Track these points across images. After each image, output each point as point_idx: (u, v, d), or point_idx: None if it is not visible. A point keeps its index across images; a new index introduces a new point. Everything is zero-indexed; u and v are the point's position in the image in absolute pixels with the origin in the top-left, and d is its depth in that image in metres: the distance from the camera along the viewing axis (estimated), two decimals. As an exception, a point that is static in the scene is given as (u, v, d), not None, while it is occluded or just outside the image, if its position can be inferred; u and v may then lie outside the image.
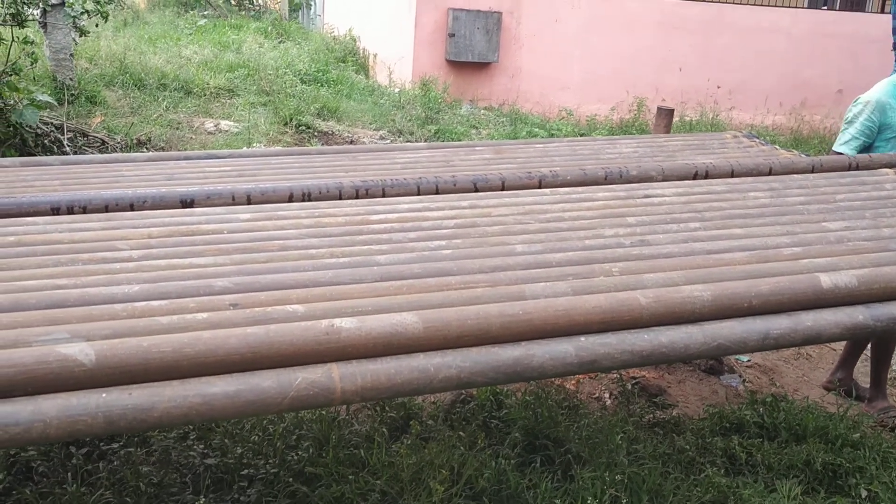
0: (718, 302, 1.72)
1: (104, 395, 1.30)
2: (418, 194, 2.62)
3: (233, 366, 1.40)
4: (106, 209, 2.35)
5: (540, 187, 2.84)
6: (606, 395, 3.51)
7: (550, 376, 1.61)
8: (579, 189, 2.57)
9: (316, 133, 7.56)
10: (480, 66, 10.61)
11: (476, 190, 2.70)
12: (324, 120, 8.04)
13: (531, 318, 1.58)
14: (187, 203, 2.37)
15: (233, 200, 2.46)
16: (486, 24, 10.32)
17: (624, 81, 10.91)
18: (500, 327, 1.56)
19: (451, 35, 10.24)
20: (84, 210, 2.31)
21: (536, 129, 8.94)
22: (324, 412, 3.03)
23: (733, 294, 1.74)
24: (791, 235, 2.14)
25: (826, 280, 1.82)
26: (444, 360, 1.51)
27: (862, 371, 3.92)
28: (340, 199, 2.56)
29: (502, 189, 2.77)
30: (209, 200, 2.43)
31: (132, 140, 6.50)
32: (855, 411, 3.38)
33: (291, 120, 7.55)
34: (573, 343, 1.60)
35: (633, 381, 3.60)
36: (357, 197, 2.58)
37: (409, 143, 5.30)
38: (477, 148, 3.47)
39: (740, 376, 3.79)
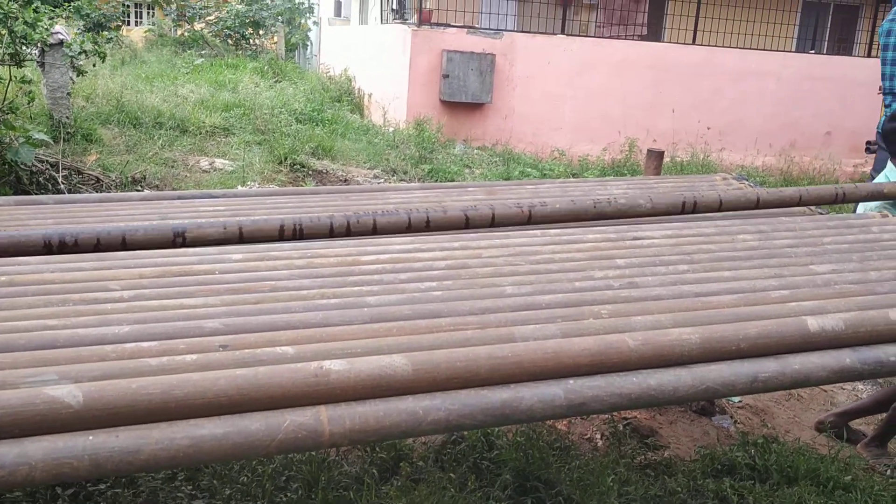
0: (707, 345, 1.73)
1: (91, 437, 1.30)
2: (409, 228, 2.65)
3: (221, 408, 1.40)
4: (97, 242, 2.36)
5: (530, 221, 2.87)
6: (598, 436, 3.50)
7: (539, 419, 1.62)
8: (569, 230, 2.59)
9: (310, 172, 7.61)
10: (474, 107, 10.73)
11: (467, 221, 2.72)
12: (318, 159, 8.10)
13: (520, 361, 1.59)
14: (179, 234, 2.38)
15: (224, 230, 2.47)
16: (480, 65, 10.46)
17: (615, 122, 11.05)
18: (490, 370, 1.57)
19: (446, 76, 10.37)
20: (76, 242, 2.32)
21: (529, 169, 9.01)
22: (313, 453, 3.01)
23: (721, 337, 1.75)
24: (779, 278, 2.16)
25: (813, 323, 1.83)
26: (433, 402, 1.51)
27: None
28: (332, 231, 2.58)
29: (492, 221, 2.80)
30: (200, 230, 2.45)
31: (127, 178, 6.53)
32: (846, 453, 3.37)
33: (286, 159, 7.61)
34: (562, 386, 1.61)
35: (625, 422, 3.59)
36: (348, 229, 2.60)
37: (402, 184, 5.35)
38: (469, 188, 3.51)
39: (731, 417, 3.79)
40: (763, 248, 2.46)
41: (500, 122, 10.90)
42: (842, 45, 13.30)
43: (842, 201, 3.15)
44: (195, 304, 1.82)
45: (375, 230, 2.65)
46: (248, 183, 6.87)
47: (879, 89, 4.66)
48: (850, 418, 3.73)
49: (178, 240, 2.37)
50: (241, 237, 2.47)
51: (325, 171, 7.78)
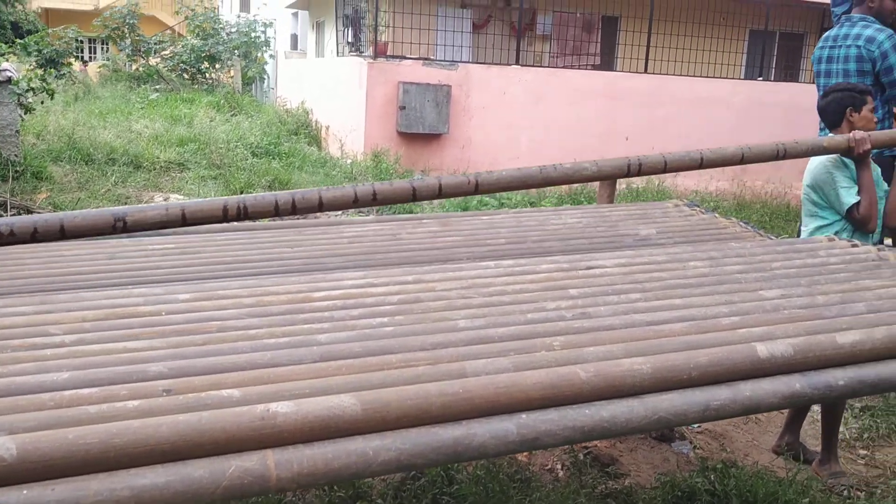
0: (658, 374, 1.73)
1: (25, 491, 1.25)
2: (356, 202, 2.69)
3: (164, 455, 1.35)
4: (35, 231, 2.31)
5: (477, 190, 2.94)
6: (559, 466, 3.48)
7: (492, 455, 1.59)
8: (523, 261, 2.59)
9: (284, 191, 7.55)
10: (431, 138, 10.78)
11: (414, 193, 2.78)
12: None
13: (471, 397, 1.57)
14: (119, 219, 2.35)
15: (166, 212, 2.46)
16: (436, 96, 10.53)
17: (571, 150, 11.14)
18: (441, 407, 1.55)
19: (402, 108, 10.42)
20: (11, 232, 2.27)
21: (487, 199, 9.05)
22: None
23: (672, 366, 1.76)
24: (729, 305, 2.18)
25: (763, 349, 1.85)
26: (384, 442, 1.48)
27: (810, 433, 3.96)
28: (277, 210, 2.60)
29: (439, 192, 2.85)
30: (141, 214, 2.44)
31: (78, 215, 6.41)
32: (804, 475, 3.40)
33: (242, 193, 7.54)
34: (514, 421, 1.59)
35: (586, 451, 3.57)
36: (293, 207, 2.62)
37: (356, 218, 5.34)
38: (424, 220, 3.50)
39: (691, 443, 3.80)
40: (713, 275, 2.48)
41: (458, 152, 10.96)
42: (788, 72, 13.67)
43: (783, 157, 3.38)
44: (139, 346, 1.78)
45: (321, 206, 2.65)
46: (204, 218, 6.80)
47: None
48: (796, 431, 3.77)
49: (119, 224, 2.34)
50: (185, 220, 2.44)
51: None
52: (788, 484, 3.21)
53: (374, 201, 2.77)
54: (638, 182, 10.87)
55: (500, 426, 1.58)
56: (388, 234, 3.19)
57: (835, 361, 1.91)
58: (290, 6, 19.31)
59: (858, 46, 4.20)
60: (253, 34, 20.71)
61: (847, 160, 3.45)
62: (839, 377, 1.90)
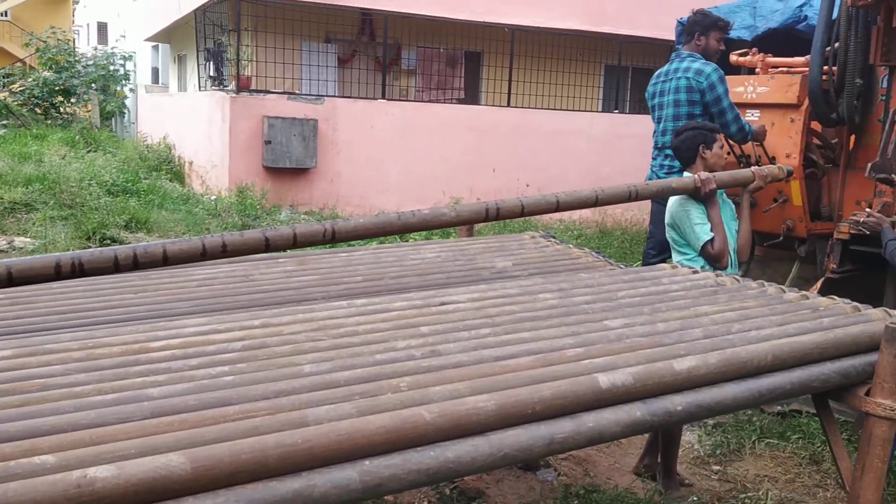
0: (503, 410, 1.74)
1: None
2: (204, 255, 2.57)
3: (-37, 535, 1.23)
4: None
5: (334, 238, 2.87)
6: (425, 503, 3.45)
7: (335, 506, 1.54)
8: (376, 300, 2.56)
9: (125, 245, 7.22)
10: (299, 172, 10.65)
11: (267, 243, 2.69)
12: (132, 232, 7.71)
13: (311, 446, 1.52)
14: None
15: None
16: (303, 130, 10.43)
17: (440, 183, 11.31)
18: (278, 459, 1.49)
19: (268, 142, 10.25)
20: None
21: (356, 232, 8.99)
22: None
23: (517, 401, 1.77)
24: (575, 336, 2.22)
25: (604, 380, 1.89)
26: (216, 501, 1.41)
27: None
28: (117, 266, 2.46)
29: (294, 242, 2.77)
30: None
31: None
32: (660, 498, 3.50)
33: (95, 233, 7.17)
34: (357, 468, 1.55)
35: (452, 486, 3.56)
36: (135, 261, 2.48)
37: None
38: (280, 259, 3.42)
39: (555, 470, 3.85)
40: (562, 306, 2.53)
41: (327, 185, 10.87)
42: (642, 105, 14.39)
43: (635, 199, 3.52)
44: (-54, 412, 1.62)
45: (167, 260, 2.53)
46: (52, 261, 6.40)
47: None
48: (656, 453, 3.88)
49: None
50: (11, 279, 2.28)
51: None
52: (646, 505, 3.30)
53: (224, 253, 2.66)
54: (505, 212, 11.10)
55: (341, 475, 1.53)
56: (241, 276, 3.09)
57: (673, 387, 1.98)
58: (150, 39, 18.73)
59: (688, 78, 4.49)
60: (111, 67, 19.93)
61: None
62: (677, 402, 1.97)
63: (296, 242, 2.84)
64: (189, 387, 1.78)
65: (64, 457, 1.41)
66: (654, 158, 5.12)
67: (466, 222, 3.47)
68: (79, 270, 2.45)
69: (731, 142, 4.86)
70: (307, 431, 1.55)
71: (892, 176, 4.13)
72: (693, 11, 4.87)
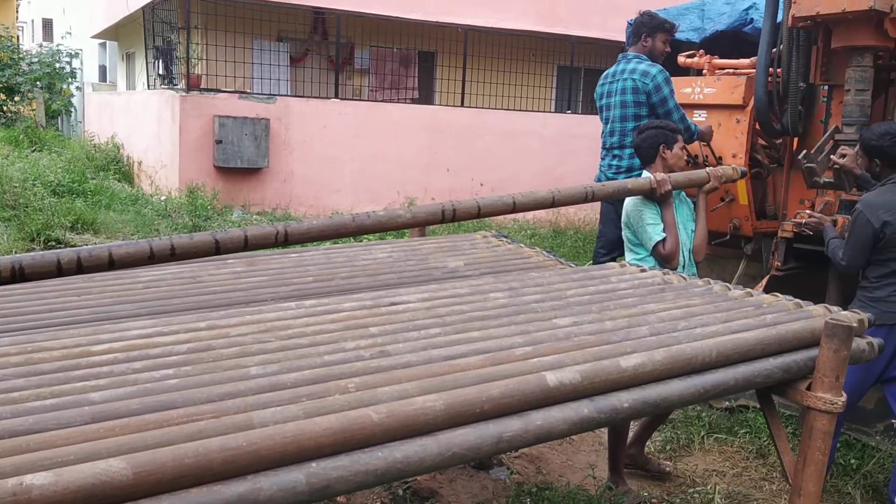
0: (451, 410, 1.74)
1: None
2: (152, 258, 2.52)
3: None
4: None
5: (286, 241, 2.81)
6: (378, 503, 3.44)
7: (281, 509, 1.52)
8: (325, 300, 2.55)
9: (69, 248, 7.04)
10: (251, 172, 10.53)
11: (217, 246, 2.64)
12: (78, 233, 7.54)
13: (257, 449, 1.50)
14: None
15: None
16: (255, 130, 10.31)
17: (394, 182, 11.29)
18: (223, 463, 1.47)
19: (219, 141, 10.12)
20: None
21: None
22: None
23: (465, 401, 1.77)
24: (524, 335, 2.23)
25: (552, 378, 1.90)
26: (158, 507, 1.38)
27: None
28: (60, 270, 2.39)
29: (245, 245, 2.73)
30: None
31: None
32: (610, 494, 3.54)
33: (39, 235, 6.99)
34: (304, 470, 1.54)
35: (405, 486, 3.55)
36: (79, 265, 2.41)
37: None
38: (229, 261, 3.37)
39: (508, 468, 3.87)
40: (512, 305, 2.54)
41: (279, 185, 10.77)
42: (594, 105, 14.51)
43: (591, 200, 3.53)
44: None
45: (112, 264, 2.47)
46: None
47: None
48: (642, 445, 3.93)
49: None
50: None
51: (86, 245, 7.23)
52: (597, 501, 3.34)
53: (173, 257, 2.61)
54: (459, 212, 11.12)
55: (288, 477, 1.52)
56: (189, 277, 3.04)
57: (620, 385, 2.01)
58: (97, 36, 18.33)
59: (634, 79, 4.55)
60: (57, 65, 19.45)
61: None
62: (624, 399, 1.99)
63: (247, 245, 2.80)
64: (132, 391, 1.74)
65: (-1, 464, 1.37)
66: (602, 159, 5.18)
67: (422, 224, 3.45)
68: (19, 275, 2.39)
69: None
70: (253, 434, 1.53)
71: (819, 179, 4.23)
72: (640, 13, 4.93)
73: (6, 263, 2.37)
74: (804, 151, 4.30)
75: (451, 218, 3.22)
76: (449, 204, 3.27)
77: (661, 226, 3.63)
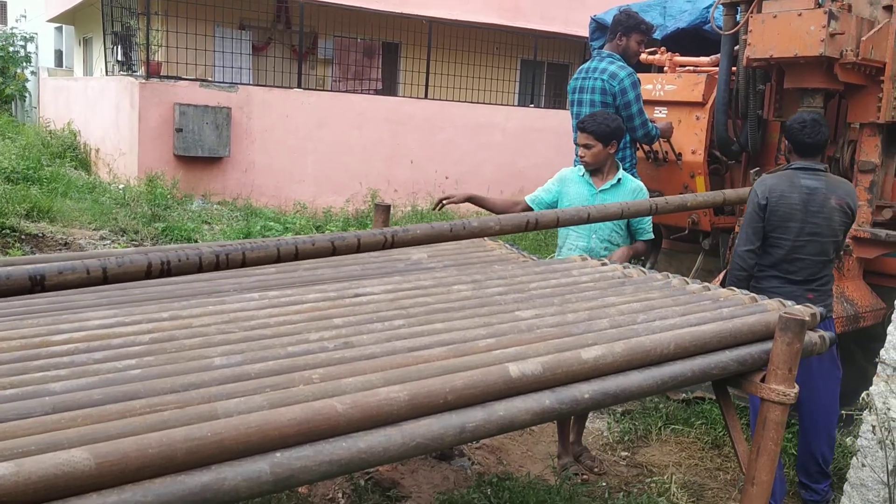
0: (415, 401, 1.76)
1: None
2: (279, 259, 2.44)
3: None
4: None
5: (393, 244, 2.70)
6: (340, 495, 3.45)
7: (245, 498, 1.53)
8: (289, 291, 2.55)
9: (23, 237, 6.90)
10: (211, 161, 10.41)
11: (334, 250, 2.56)
12: (33, 222, 7.38)
13: (221, 439, 1.51)
14: None
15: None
16: (216, 119, 10.19)
17: (357, 174, 11.25)
18: (187, 452, 1.47)
19: (179, 130, 9.98)
20: None
21: (271, 224, 8.86)
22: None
23: (429, 392, 1.79)
24: (487, 327, 2.26)
25: (514, 369, 1.93)
26: (122, 497, 1.38)
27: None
28: (201, 267, 2.29)
29: (358, 247, 2.63)
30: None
31: None
32: (570, 484, 3.60)
33: (-9, 224, 6.84)
34: (268, 460, 1.55)
35: (367, 477, 3.57)
36: (217, 266, 2.30)
37: (116, 250, 4.98)
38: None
39: (469, 459, 3.91)
40: (476, 298, 2.57)
41: (241, 175, 10.66)
42: (556, 99, 14.63)
43: (533, 229, 3.42)
44: None
45: (244, 263, 2.41)
46: (-54, 252, 6.09)
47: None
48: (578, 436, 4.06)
49: None
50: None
51: (41, 234, 7.09)
52: (556, 491, 3.39)
53: (105, 280, 2.39)
54: (423, 204, 11.15)
55: (252, 467, 1.52)
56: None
57: (580, 376, 2.04)
58: (53, 20, 17.95)
59: (603, 80, 4.58)
60: (11, 49, 18.98)
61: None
62: (584, 391, 2.03)
63: (359, 248, 2.67)
64: (93, 381, 1.73)
65: (-42, 455, 1.36)
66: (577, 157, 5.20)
67: (509, 232, 3.40)
68: (104, 278, 2.26)
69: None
70: (217, 424, 1.53)
71: None
72: (619, 10, 4.94)
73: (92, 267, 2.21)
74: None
75: (534, 227, 3.20)
76: (532, 215, 3.20)
77: (543, 196, 3.95)
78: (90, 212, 8.17)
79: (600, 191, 3.83)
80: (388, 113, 11.66)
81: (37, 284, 2.04)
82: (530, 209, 3.95)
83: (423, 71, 12.29)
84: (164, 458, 1.44)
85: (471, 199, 4.00)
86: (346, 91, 12.36)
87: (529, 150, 12.40)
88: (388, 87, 13.28)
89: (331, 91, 12.23)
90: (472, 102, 12.69)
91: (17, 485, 1.30)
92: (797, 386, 2.39)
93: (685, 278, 2.96)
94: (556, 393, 1.98)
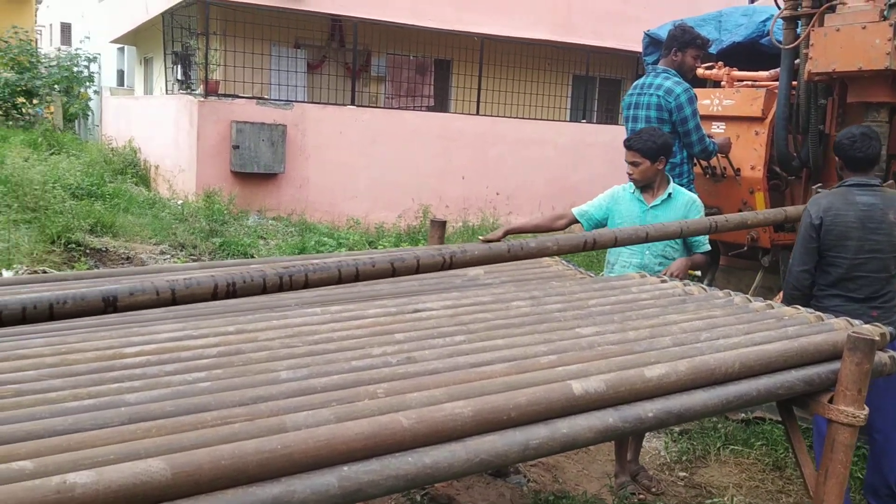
0: (479, 416, 1.76)
1: None
2: (339, 280, 2.49)
3: (-60, 542, 1.22)
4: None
5: (451, 265, 2.76)
6: (396, 510, 3.46)
7: (313, 511, 1.55)
8: (351, 306, 2.58)
9: (88, 251, 7.11)
10: (267, 177, 10.60)
11: (394, 271, 2.61)
12: (97, 236, 7.60)
13: (291, 452, 1.53)
14: None
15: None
16: (271, 136, 10.38)
17: (409, 190, 11.33)
18: (258, 465, 1.49)
19: (236, 147, 10.19)
20: None
21: (325, 239, 8.97)
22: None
23: (493, 408, 1.79)
24: (548, 343, 2.26)
25: (577, 387, 1.92)
26: (196, 507, 1.41)
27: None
28: (265, 289, 2.36)
29: (417, 268, 2.69)
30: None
31: None
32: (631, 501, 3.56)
33: (60, 237, 7.06)
34: (336, 474, 1.56)
35: (423, 493, 3.57)
36: (280, 287, 2.37)
37: (178, 265, 5.10)
38: (251, 267, 3.40)
39: (525, 476, 3.88)
40: (535, 314, 2.57)
41: (295, 191, 10.83)
42: (608, 115, 14.57)
43: (591, 248, 3.38)
44: (-82, 418, 1.60)
45: (307, 284, 2.48)
46: (15, 266, 6.30)
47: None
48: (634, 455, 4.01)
49: None
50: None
51: (105, 248, 7.29)
52: (614, 511, 3.35)
53: (174, 301, 2.49)
54: (474, 220, 11.17)
55: (321, 480, 1.54)
56: (213, 282, 3.07)
57: (644, 394, 2.03)
58: (116, 41, 18.51)
59: (659, 96, 4.54)
60: (75, 69, 19.61)
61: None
62: (648, 409, 2.01)
63: (419, 269, 2.73)
64: (165, 392, 1.78)
65: (42, 462, 1.41)
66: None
67: (567, 252, 3.41)
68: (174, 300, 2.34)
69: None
70: (286, 437, 1.56)
71: None
72: (674, 25, 4.91)
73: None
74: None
75: (592, 247, 3.20)
76: (590, 235, 3.21)
77: (593, 212, 3.92)
78: (150, 227, 8.38)
79: (651, 207, 3.79)
80: (440, 129, 11.73)
81: (109, 305, 2.11)
82: (575, 222, 3.93)
83: (475, 87, 12.35)
84: (236, 470, 1.47)
85: (509, 232, 3.93)
86: (399, 108, 12.47)
87: (581, 166, 12.36)
88: (440, 104, 13.36)
89: (384, 108, 12.36)
90: (523, 118, 12.71)
91: (98, 493, 1.34)
92: (867, 408, 2.33)
93: (747, 296, 2.92)
94: (619, 411, 1.96)
